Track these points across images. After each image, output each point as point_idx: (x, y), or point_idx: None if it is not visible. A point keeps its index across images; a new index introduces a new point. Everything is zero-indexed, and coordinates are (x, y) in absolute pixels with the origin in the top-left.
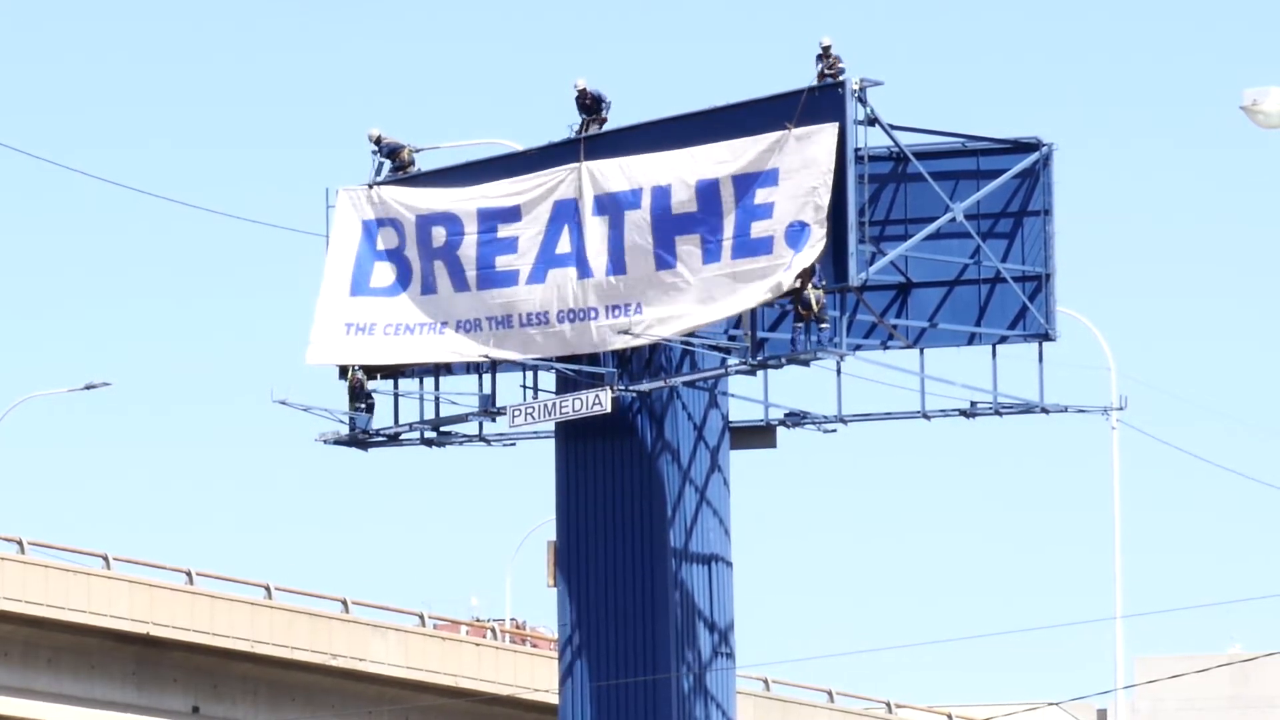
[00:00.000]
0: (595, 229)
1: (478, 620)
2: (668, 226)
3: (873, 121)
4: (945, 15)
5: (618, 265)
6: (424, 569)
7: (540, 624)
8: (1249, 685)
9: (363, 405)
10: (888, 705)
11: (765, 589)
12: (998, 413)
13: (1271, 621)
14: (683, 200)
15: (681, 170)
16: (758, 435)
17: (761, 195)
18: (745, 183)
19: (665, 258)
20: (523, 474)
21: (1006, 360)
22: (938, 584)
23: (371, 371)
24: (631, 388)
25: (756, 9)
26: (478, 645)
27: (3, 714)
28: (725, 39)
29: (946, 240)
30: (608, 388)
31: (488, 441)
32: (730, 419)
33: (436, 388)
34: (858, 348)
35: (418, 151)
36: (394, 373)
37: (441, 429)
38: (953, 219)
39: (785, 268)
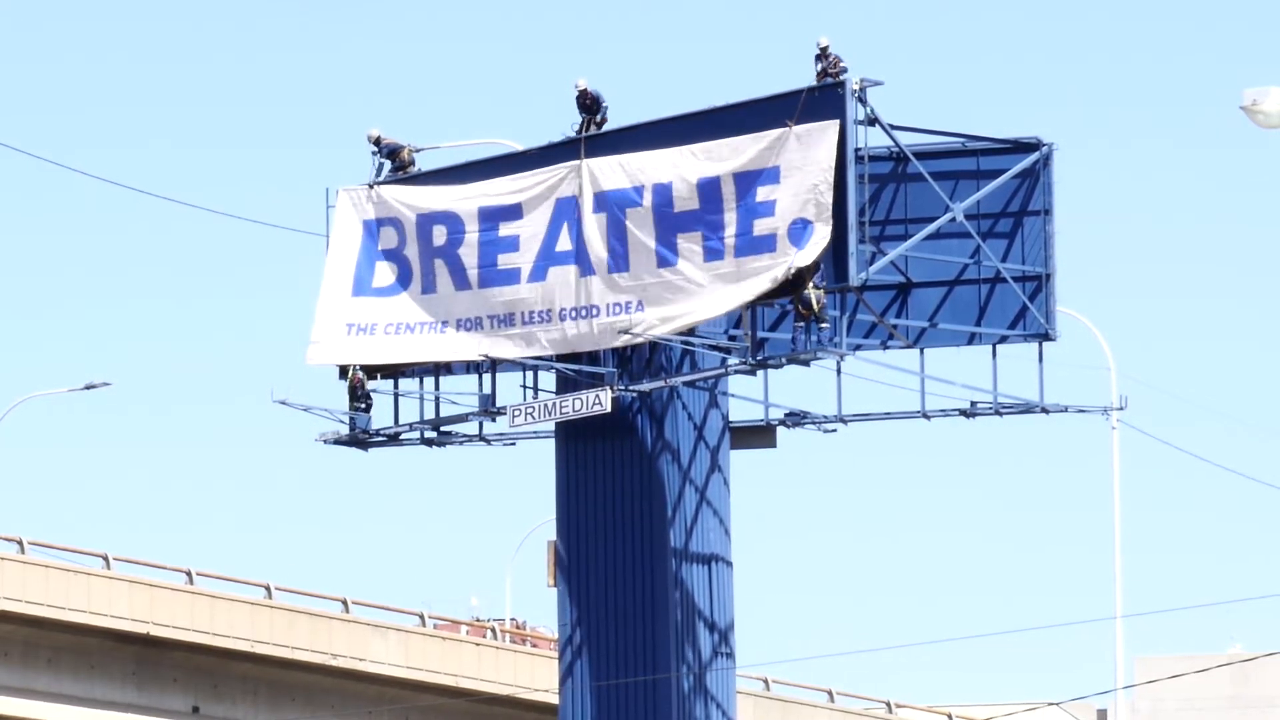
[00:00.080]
0: (596, 226)
1: (478, 620)
2: (669, 224)
3: (873, 121)
4: (945, 15)
5: (619, 263)
6: (424, 569)
7: (540, 624)
8: (1249, 685)
9: (362, 405)
10: (888, 705)
11: (765, 589)
12: (998, 413)
13: (1271, 621)
14: (684, 198)
15: (682, 168)
16: (758, 435)
17: (763, 193)
18: (747, 180)
19: (667, 255)
20: (523, 474)
21: (1006, 360)
22: (938, 584)
23: (371, 371)
24: (631, 388)
25: (756, 9)
26: (478, 645)
27: (3, 714)
28: (725, 39)
29: (946, 240)
30: (608, 388)
31: (488, 441)
32: (730, 419)
33: (436, 388)
34: (858, 348)
35: (418, 151)
36: (394, 372)
37: (441, 429)
38: (953, 219)
39: (788, 266)
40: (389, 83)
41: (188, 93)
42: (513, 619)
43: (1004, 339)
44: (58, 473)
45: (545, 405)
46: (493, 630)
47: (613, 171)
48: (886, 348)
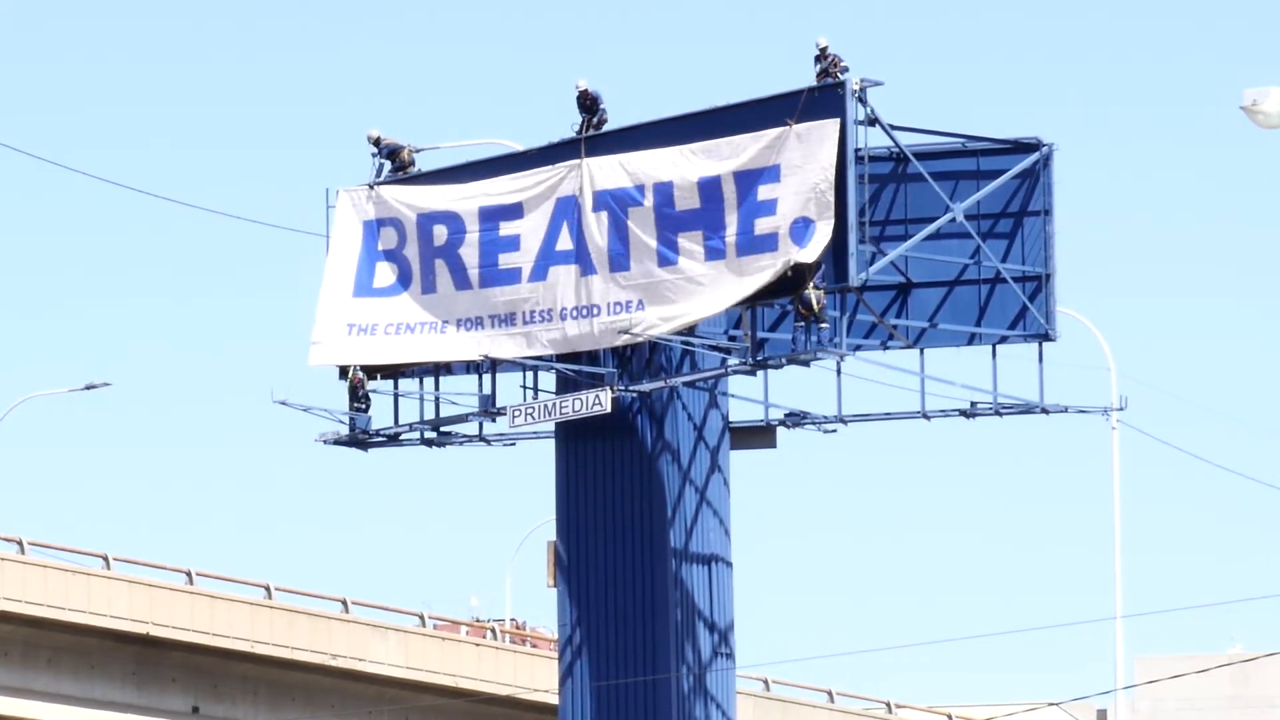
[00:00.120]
0: (597, 225)
1: (478, 620)
2: (670, 223)
3: (873, 121)
4: (945, 15)
5: (620, 262)
6: (424, 569)
7: (540, 624)
8: (1249, 685)
9: (361, 405)
10: (888, 705)
11: (765, 589)
12: (998, 413)
13: (1271, 621)
14: (685, 197)
15: (683, 167)
16: (758, 435)
17: (764, 191)
18: (747, 179)
19: (668, 255)
20: (523, 474)
21: (1006, 360)
22: (938, 584)
23: (372, 371)
24: (631, 388)
25: (756, 9)
26: (478, 645)
27: (3, 714)
28: (725, 39)
29: (946, 240)
30: (608, 388)
31: (488, 441)
32: (730, 419)
33: (436, 388)
34: (858, 348)
35: (418, 152)
36: (394, 373)
37: (441, 429)
38: (953, 219)
39: (788, 260)
40: (389, 83)
41: (188, 93)
42: (513, 619)
43: (1004, 339)
44: (58, 473)
45: (545, 405)
46: (493, 630)
47: (613, 170)
48: (886, 348)
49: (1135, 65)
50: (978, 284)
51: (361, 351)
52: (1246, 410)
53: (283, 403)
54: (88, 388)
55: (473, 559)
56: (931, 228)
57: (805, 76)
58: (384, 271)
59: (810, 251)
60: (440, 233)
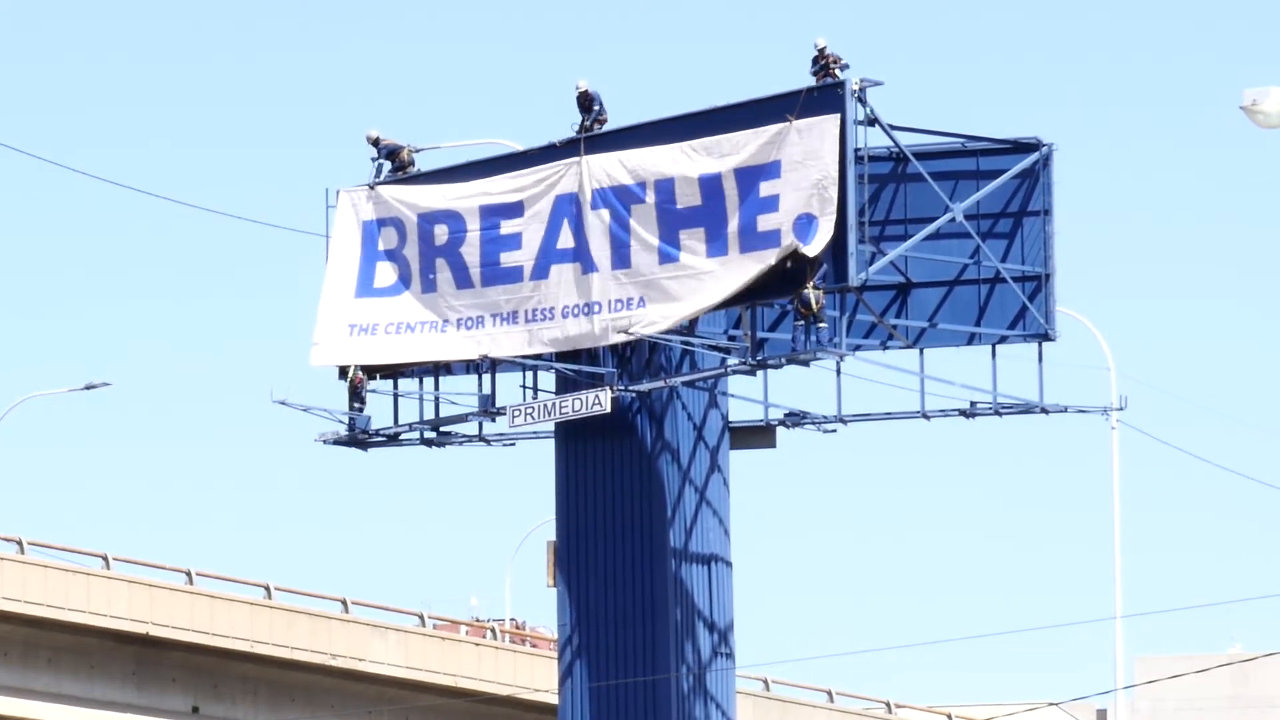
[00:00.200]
0: (597, 223)
1: (478, 620)
2: (672, 220)
3: (873, 121)
4: (945, 15)
5: (621, 260)
6: (424, 569)
7: (540, 624)
8: (1249, 685)
9: (360, 405)
10: (888, 705)
11: (765, 589)
12: (997, 413)
13: (1271, 621)
14: (686, 194)
15: (683, 164)
16: (758, 435)
17: (765, 188)
18: (748, 176)
19: (670, 252)
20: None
21: (1006, 360)
22: (938, 584)
23: (372, 371)
24: (631, 388)
25: (756, 9)
26: (478, 645)
27: (3, 714)
28: (725, 39)
29: (946, 240)
30: (607, 388)
31: (488, 441)
32: (730, 419)
33: (436, 388)
34: (858, 348)
35: (417, 151)
36: (394, 372)
37: (441, 429)
38: (952, 219)
39: (791, 247)
40: (389, 83)
41: (188, 93)
42: (512, 619)
43: (1004, 339)
44: (58, 473)
45: (545, 405)
46: (492, 630)
47: (614, 168)
48: (886, 348)
49: (1135, 65)
50: (977, 284)
51: (362, 351)
52: (1246, 410)
53: (283, 403)
54: (88, 388)
55: (473, 559)
56: (931, 228)
57: (804, 77)
58: (384, 271)
59: (814, 246)
60: (441, 232)
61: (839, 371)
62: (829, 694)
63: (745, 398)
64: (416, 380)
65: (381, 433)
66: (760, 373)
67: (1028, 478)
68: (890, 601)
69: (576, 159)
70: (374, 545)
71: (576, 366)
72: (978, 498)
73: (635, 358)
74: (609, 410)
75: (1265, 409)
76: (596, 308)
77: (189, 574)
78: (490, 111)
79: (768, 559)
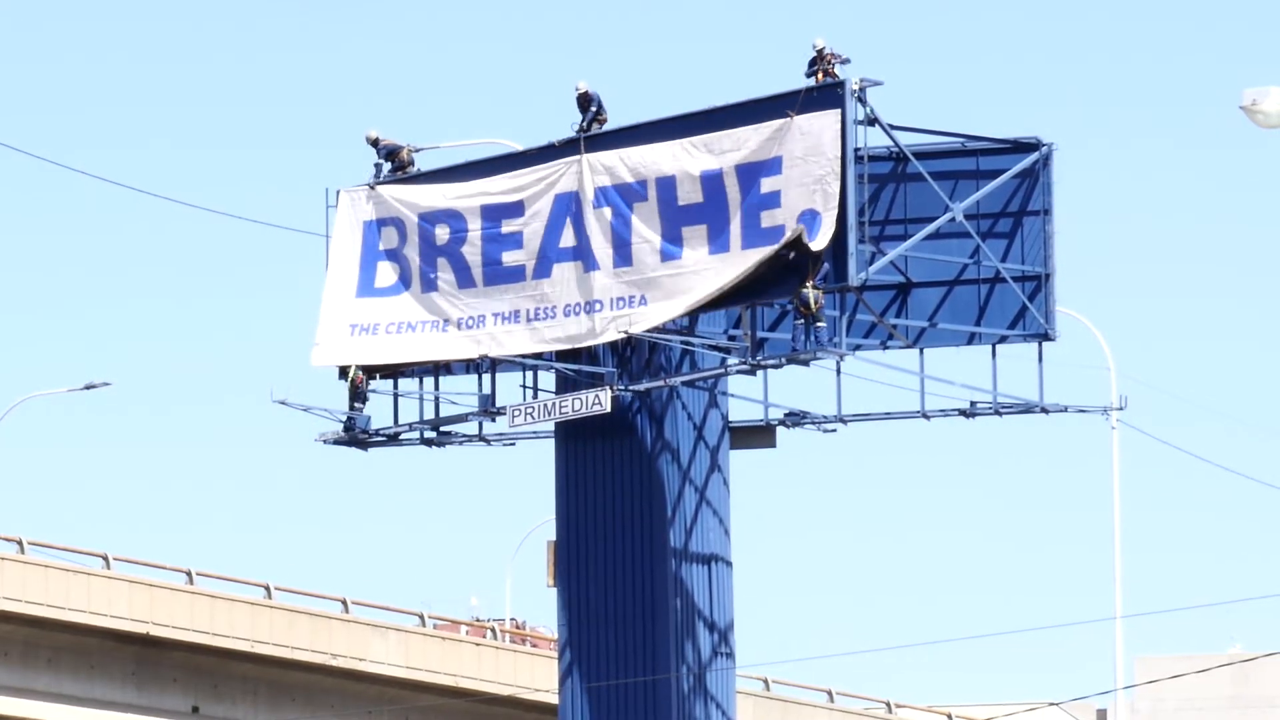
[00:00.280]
0: (598, 221)
1: (478, 620)
2: (674, 218)
3: (873, 121)
4: (945, 15)
5: (623, 258)
6: (424, 569)
7: (540, 624)
8: (1249, 685)
9: (360, 405)
10: (888, 705)
11: (765, 589)
12: (998, 413)
13: (1271, 621)
14: (688, 191)
15: (684, 161)
16: (758, 435)
17: (767, 184)
18: (749, 172)
19: (672, 250)
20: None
21: (1006, 360)
22: (938, 584)
23: (372, 371)
24: (631, 388)
25: (755, 9)
26: (478, 645)
27: (3, 714)
28: (725, 39)
29: (946, 240)
30: (607, 388)
31: (488, 441)
32: (730, 419)
33: (436, 388)
34: (857, 348)
35: (417, 151)
36: (394, 372)
37: (441, 429)
38: (952, 219)
39: (795, 234)
40: (389, 83)
41: (188, 93)
42: (513, 619)
43: (1004, 339)
44: (58, 473)
45: (545, 405)
46: (493, 630)
47: (614, 166)
48: (886, 348)
49: (1135, 65)
50: (977, 284)
51: (363, 351)
52: (1246, 410)
53: (283, 403)
54: (88, 388)
55: (473, 559)
56: (931, 227)
57: (803, 78)
58: (385, 271)
59: (818, 242)
60: (442, 232)
61: (839, 371)
62: (829, 694)
63: (745, 398)
64: (416, 380)
65: (381, 433)
66: (760, 372)
67: (1028, 478)
68: (890, 601)
69: (576, 158)
70: (374, 545)
71: (576, 366)
72: (978, 498)
73: (635, 357)
74: (609, 410)
75: (1265, 409)
76: (598, 306)
77: (189, 574)
78: (490, 111)
79: (768, 559)
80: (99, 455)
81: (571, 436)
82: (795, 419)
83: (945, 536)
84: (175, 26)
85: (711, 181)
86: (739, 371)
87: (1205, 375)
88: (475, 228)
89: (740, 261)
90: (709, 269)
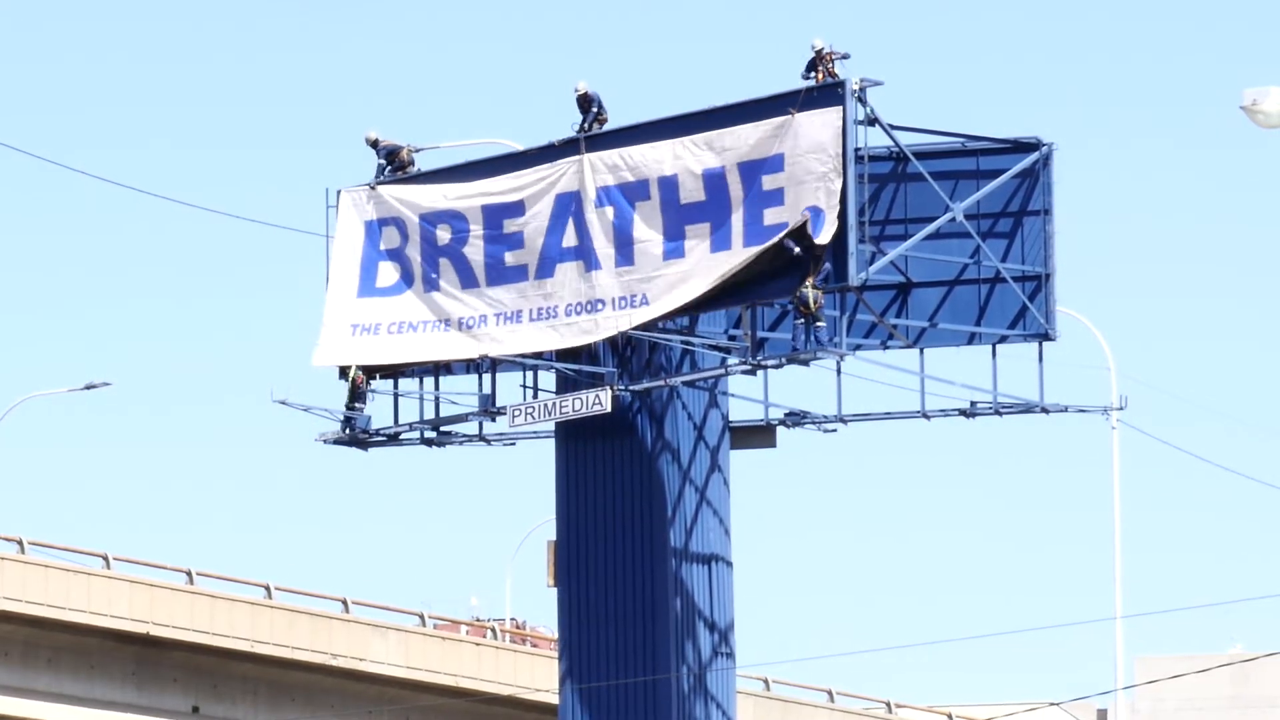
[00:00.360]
0: (600, 221)
1: (478, 620)
2: (676, 216)
3: (873, 121)
4: (945, 15)
5: (625, 257)
6: (424, 569)
7: (540, 624)
8: (1249, 685)
9: (360, 405)
10: (888, 705)
11: (765, 589)
12: (998, 413)
13: (1271, 621)
14: (690, 190)
15: (686, 159)
16: (758, 435)
17: (769, 182)
18: (750, 170)
19: (674, 248)
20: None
21: (1006, 360)
22: (938, 584)
23: (373, 371)
24: (631, 387)
25: (755, 9)
26: (478, 645)
27: (3, 714)
28: (725, 39)
29: (946, 240)
30: (608, 387)
31: (488, 441)
32: (730, 419)
33: (436, 388)
34: (858, 348)
35: (417, 151)
36: (394, 372)
37: (441, 429)
38: (953, 219)
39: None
40: (389, 83)
41: (188, 93)
42: (513, 619)
43: (1004, 339)
44: (58, 473)
45: (545, 405)
46: (493, 630)
47: (615, 165)
48: (886, 348)
49: (1135, 65)
50: (977, 284)
51: (364, 351)
52: (1246, 410)
53: (283, 402)
54: (88, 388)
55: (473, 559)
56: (931, 227)
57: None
58: (386, 271)
59: (822, 238)
60: (444, 233)
61: (839, 371)
62: (829, 694)
63: (745, 397)
64: (417, 380)
65: (381, 432)
66: (760, 372)
67: (1028, 478)
68: (890, 601)
69: (577, 158)
70: (374, 545)
71: (576, 366)
72: (978, 498)
73: (635, 357)
74: (609, 410)
75: (1265, 409)
76: (600, 305)
77: (189, 574)
78: (490, 111)
79: (768, 559)
80: (99, 455)
81: (572, 436)
82: (795, 419)
83: (945, 536)
84: (175, 26)
85: (714, 179)
86: (739, 371)
87: (1205, 375)
88: (477, 228)
89: (742, 258)
90: (711, 264)
